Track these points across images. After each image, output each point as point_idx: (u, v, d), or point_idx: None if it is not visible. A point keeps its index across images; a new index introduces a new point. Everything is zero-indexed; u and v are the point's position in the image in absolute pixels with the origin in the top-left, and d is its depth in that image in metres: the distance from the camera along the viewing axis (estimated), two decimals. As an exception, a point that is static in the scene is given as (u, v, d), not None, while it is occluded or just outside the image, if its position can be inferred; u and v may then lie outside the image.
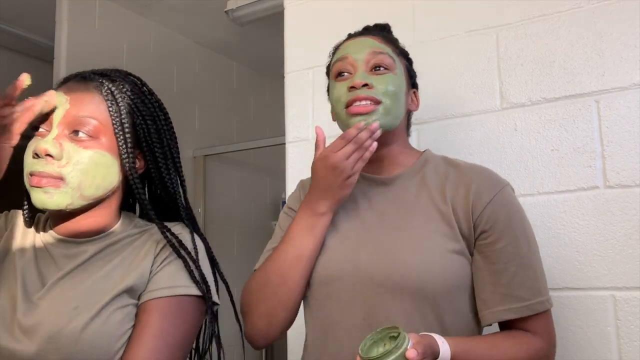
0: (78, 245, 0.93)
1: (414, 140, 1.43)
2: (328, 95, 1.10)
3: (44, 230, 0.96)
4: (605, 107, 1.24)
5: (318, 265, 1.02)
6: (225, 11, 2.74)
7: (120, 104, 0.93)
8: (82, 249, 0.92)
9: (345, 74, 1.03)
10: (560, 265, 1.24)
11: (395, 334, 0.80)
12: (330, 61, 1.11)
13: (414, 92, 1.11)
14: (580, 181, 1.25)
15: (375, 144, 0.95)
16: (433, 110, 1.43)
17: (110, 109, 0.92)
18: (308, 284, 1.03)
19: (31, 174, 0.87)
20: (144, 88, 0.99)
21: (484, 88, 1.38)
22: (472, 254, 0.98)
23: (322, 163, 0.97)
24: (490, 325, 0.98)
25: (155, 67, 2.97)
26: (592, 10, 1.27)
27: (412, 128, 1.39)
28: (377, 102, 0.99)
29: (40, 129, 0.90)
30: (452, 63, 1.42)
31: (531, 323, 0.94)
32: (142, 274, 0.89)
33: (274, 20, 2.13)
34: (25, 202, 0.97)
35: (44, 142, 0.87)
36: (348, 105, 1.00)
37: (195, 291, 0.90)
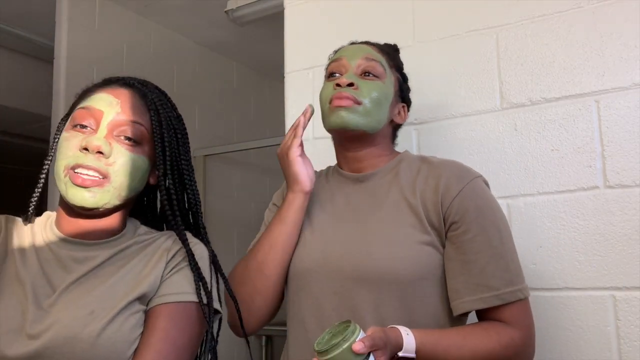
0: (87, 248, 0.92)
1: (414, 140, 1.43)
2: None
3: (45, 230, 0.95)
4: (605, 107, 1.24)
5: (294, 258, 1.05)
6: (225, 11, 2.74)
7: (161, 116, 0.96)
8: (92, 254, 0.92)
9: (337, 74, 1.07)
10: (560, 265, 1.24)
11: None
12: (328, 64, 1.14)
13: (403, 107, 1.13)
14: (580, 181, 1.25)
15: (304, 119, 1.06)
16: (433, 110, 1.43)
17: (153, 119, 0.95)
18: (286, 277, 1.06)
19: (76, 167, 0.88)
20: (169, 103, 1.03)
21: (484, 88, 1.38)
22: (443, 246, 0.99)
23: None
24: (466, 315, 0.99)
25: (155, 67, 2.97)
26: (592, 10, 1.27)
27: (412, 128, 1.39)
28: (358, 103, 1.02)
29: (85, 126, 0.91)
30: (452, 63, 1.42)
31: (504, 313, 0.94)
32: (154, 281, 0.90)
33: (274, 20, 2.13)
34: (36, 194, 0.97)
35: (95, 138, 0.89)
36: (331, 100, 1.04)
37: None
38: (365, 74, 1.05)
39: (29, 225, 0.96)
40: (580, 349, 1.20)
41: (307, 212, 1.10)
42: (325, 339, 0.81)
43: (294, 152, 1.04)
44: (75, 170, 0.88)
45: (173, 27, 3.12)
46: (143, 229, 1.00)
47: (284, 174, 1.07)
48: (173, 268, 0.93)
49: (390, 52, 1.14)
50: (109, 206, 0.91)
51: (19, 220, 0.97)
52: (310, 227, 1.07)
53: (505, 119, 1.35)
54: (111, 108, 0.92)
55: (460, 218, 0.97)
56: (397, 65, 1.13)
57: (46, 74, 2.62)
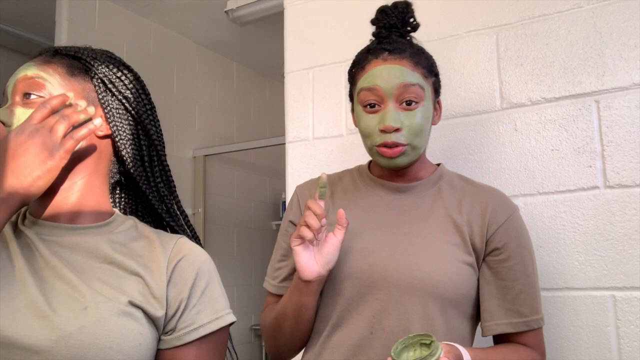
0: (77, 233, 0.85)
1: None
2: (352, 111, 1.09)
3: (25, 224, 0.87)
4: (605, 107, 1.24)
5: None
6: (225, 11, 2.74)
7: (72, 60, 0.92)
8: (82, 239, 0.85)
9: (375, 105, 1.00)
10: (560, 265, 1.24)
11: (427, 342, 0.84)
12: (354, 77, 1.06)
13: (438, 102, 1.08)
14: (580, 181, 1.25)
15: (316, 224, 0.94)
16: (433, 110, 1.43)
17: (61, 62, 0.90)
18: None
19: None
20: (117, 59, 0.98)
21: (484, 88, 1.38)
22: (479, 268, 1.02)
23: None
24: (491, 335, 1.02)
25: (155, 67, 2.97)
26: (592, 10, 1.27)
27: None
28: (405, 145, 0.99)
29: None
30: (452, 63, 1.42)
31: (527, 338, 1.01)
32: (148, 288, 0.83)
33: (274, 20, 2.13)
34: None
35: None
36: (379, 145, 0.99)
37: None
38: (407, 102, 0.98)
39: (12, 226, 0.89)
40: (580, 349, 1.20)
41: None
42: (398, 349, 0.84)
43: (293, 243, 0.97)
44: None
45: (173, 27, 3.12)
46: (136, 222, 0.91)
47: None
48: (193, 286, 0.83)
49: (421, 55, 1.05)
50: None
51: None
52: (351, 233, 1.03)
53: (505, 119, 1.35)
54: (14, 78, 0.88)
55: (502, 245, 1.01)
56: (429, 69, 1.04)
57: (46, 74, 2.62)
